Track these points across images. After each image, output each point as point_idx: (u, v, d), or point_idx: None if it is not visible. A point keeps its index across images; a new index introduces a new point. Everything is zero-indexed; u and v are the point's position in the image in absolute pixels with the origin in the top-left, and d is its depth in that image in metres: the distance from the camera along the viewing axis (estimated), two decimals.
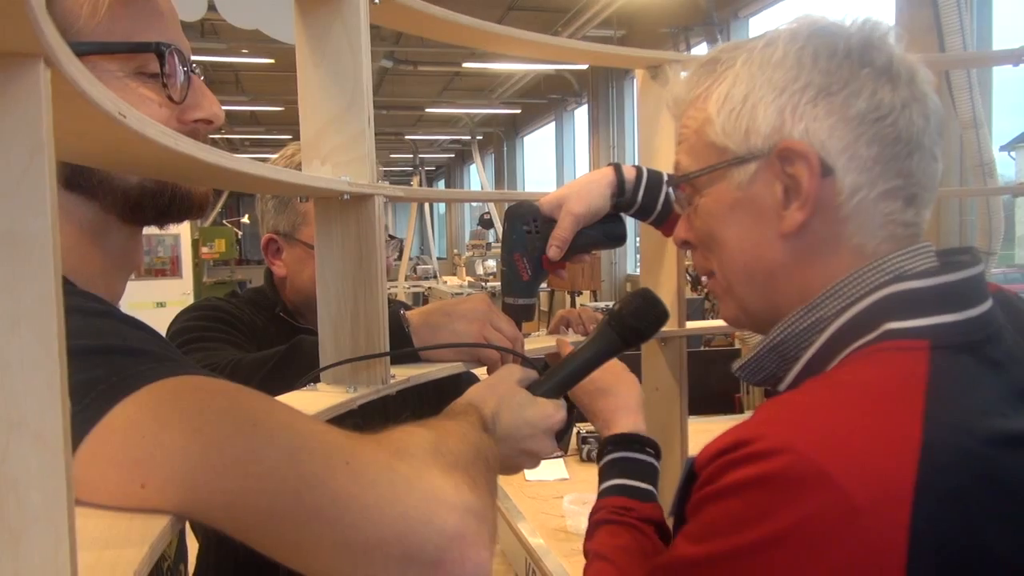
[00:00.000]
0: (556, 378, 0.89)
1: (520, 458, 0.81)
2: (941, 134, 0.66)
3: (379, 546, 0.47)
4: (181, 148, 0.44)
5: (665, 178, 1.08)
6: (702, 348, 4.31)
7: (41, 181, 0.23)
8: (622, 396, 0.98)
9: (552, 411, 0.83)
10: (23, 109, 0.22)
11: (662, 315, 0.92)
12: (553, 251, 1.02)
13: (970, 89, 4.09)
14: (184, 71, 0.67)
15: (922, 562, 0.50)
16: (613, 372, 0.99)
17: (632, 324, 0.90)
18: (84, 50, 0.60)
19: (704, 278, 0.76)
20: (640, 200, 1.06)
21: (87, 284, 0.62)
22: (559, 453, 2.63)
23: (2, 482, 0.23)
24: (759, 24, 7.47)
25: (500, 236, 1.12)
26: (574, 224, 1.02)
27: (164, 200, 0.67)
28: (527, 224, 1.04)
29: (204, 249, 8.89)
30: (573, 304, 9.05)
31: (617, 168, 1.07)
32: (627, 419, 0.96)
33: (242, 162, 0.59)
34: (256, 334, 1.16)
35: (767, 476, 0.53)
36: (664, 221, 1.09)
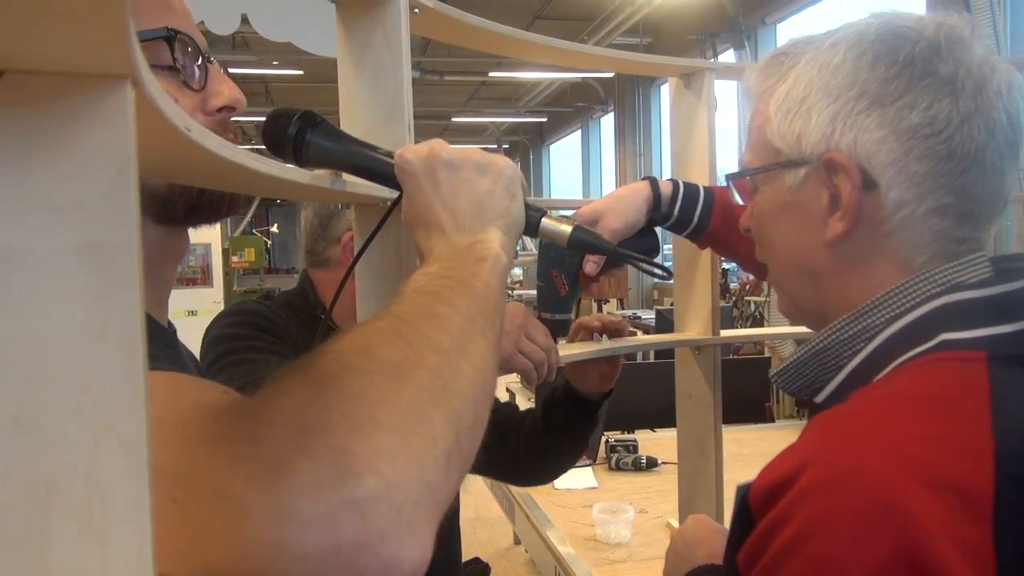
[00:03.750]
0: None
1: (502, 203, 0.64)
2: (1018, 144, 0.64)
3: None
4: (237, 159, 0.45)
5: (701, 192, 1.08)
6: (731, 356, 4.28)
7: (128, 195, 0.24)
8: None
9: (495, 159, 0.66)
10: (113, 127, 0.23)
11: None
12: (590, 267, 1.03)
13: None
14: (199, 59, 0.65)
15: None
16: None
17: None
18: None
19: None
20: (676, 214, 1.06)
21: None
22: (587, 461, 2.62)
23: (91, 485, 0.24)
24: (786, 31, 7.41)
25: (532, 248, 1.08)
26: (611, 240, 1.02)
27: (193, 195, 0.66)
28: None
29: (234, 258, 9.01)
30: (600, 312, 9.02)
31: (653, 182, 1.07)
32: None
33: (288, 170, 0.60)
34: (291, 339, 1.18)
35: (844, 510, 0.49)
36: (700, 234, 1.09)
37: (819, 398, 0.68)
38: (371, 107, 0.83)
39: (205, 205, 0.68)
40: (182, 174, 0.57)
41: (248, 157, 0.48)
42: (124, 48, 0.21)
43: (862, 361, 0.64)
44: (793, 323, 0.75)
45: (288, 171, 0.59)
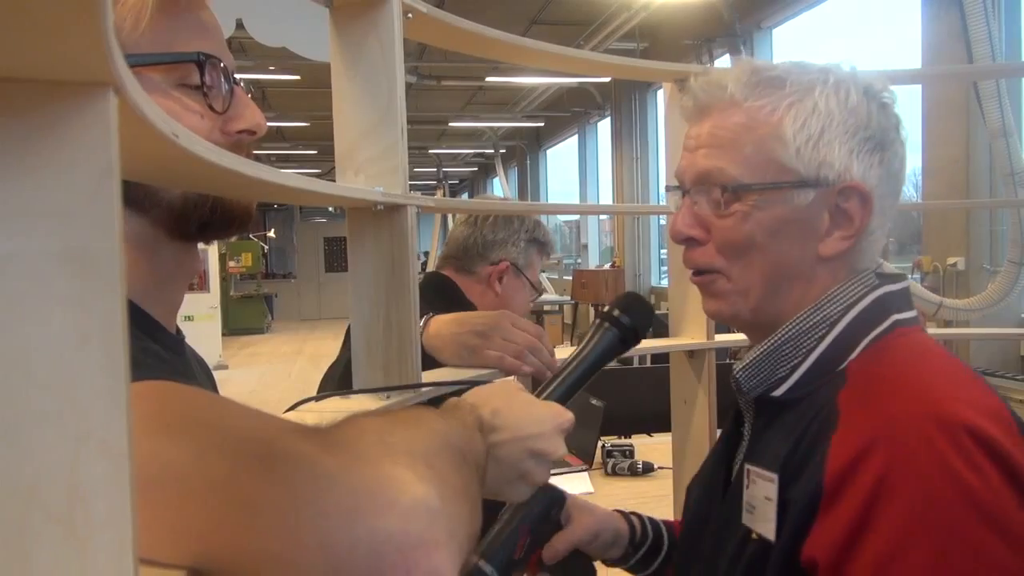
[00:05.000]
0: (561, 382, 0.83)
1: (528, 461, 0.71)
2: None
3: (301, 555, 0.39)
4: (227, 164, 0.46)
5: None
6: (727, 361, 4.27)
7: (110, 203, 0.24)
8: None
9: (561, 410, 0.75)
10: (94, 135, 0.23)
11: (650, 311, 0.92)
12: (549, 554, 0.91)
13: (999, 98, 4.05)
14: (226, 83, 0.68)
15: None
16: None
17: (627, 323, 0.88)
18: (128, 62, 0.62)
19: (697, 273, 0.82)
20: (642, 553, 1.03)
21: (137, 297, 0.64)
22: (583, 466, 2.62)
23: (71, 491, 0.24)
24: (782, 35, 7.43)
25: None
26: (584, 540, 0.94)
27: (205, 211, 0.69)
28: (554, 509, 0.90)
29: (231, 263, 9.00)
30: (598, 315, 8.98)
31: (627, 517, 1.03)
32: None
33: (279, 175, 0.60)
34: None
35: (955, 448, 0.61)
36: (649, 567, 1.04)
37: (779, 392, 0.76)
38: (364, 109, 0.84)
39: (216, 222, 0.71)
40: (176, 179, 0.58)
41: (238, 161, 0.48)
42: (104, 55, 0.21)
43: (830, 345, 0.75)
44: (726, 323, 0.84)
45: (278, 175, 0.59)
